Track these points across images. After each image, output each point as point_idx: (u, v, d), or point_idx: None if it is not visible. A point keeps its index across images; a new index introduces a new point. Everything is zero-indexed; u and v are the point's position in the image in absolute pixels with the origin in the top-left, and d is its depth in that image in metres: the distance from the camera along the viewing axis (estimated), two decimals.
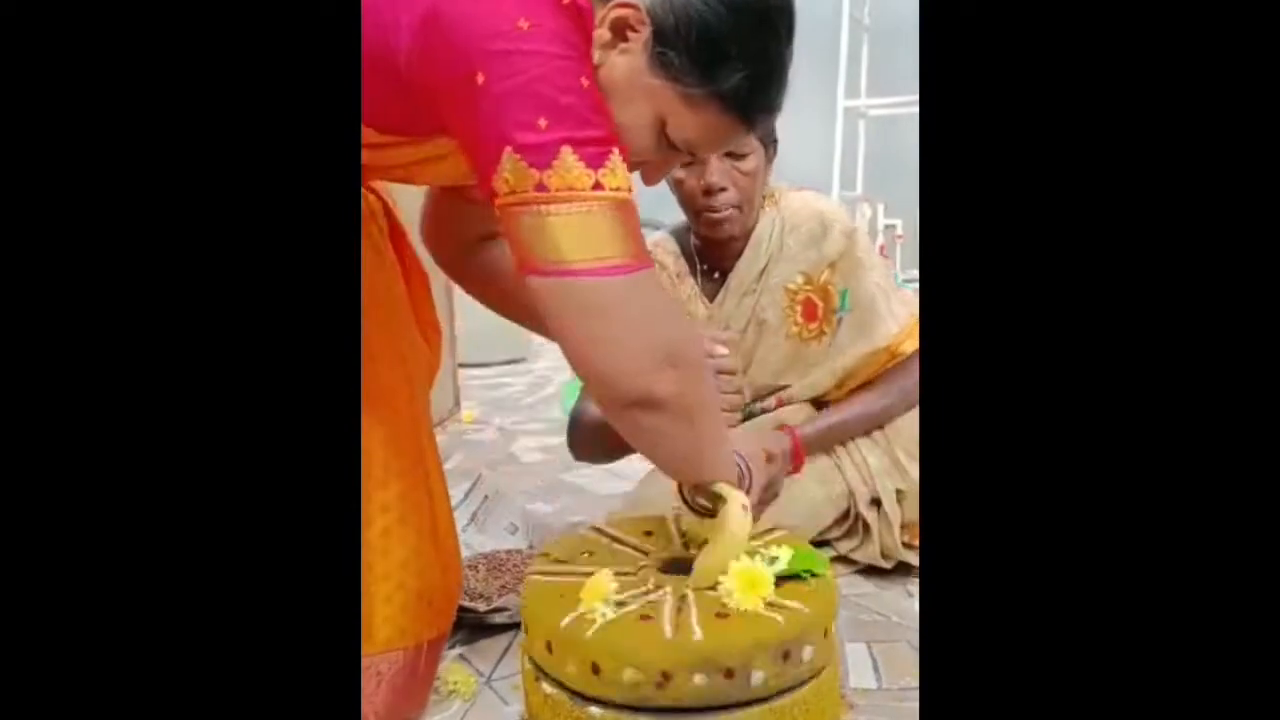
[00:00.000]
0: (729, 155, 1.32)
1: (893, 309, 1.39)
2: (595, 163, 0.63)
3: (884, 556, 1.31)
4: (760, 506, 0.94)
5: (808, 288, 1.42)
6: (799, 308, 1.43)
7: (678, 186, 1.36)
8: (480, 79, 0.61)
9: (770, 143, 1.37)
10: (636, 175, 0.80)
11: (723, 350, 0.94)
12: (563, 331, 0.66)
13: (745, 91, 0.71)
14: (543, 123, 0.62)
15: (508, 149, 0.62)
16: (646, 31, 0.69)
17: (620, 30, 0.69)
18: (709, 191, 1.32)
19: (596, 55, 0.70)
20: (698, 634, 0.69)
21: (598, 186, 0.63)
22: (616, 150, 0.65)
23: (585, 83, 0.64)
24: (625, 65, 0.70)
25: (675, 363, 0.67)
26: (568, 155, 0.62)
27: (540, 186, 0.62)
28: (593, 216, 0.63)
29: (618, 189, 0.64)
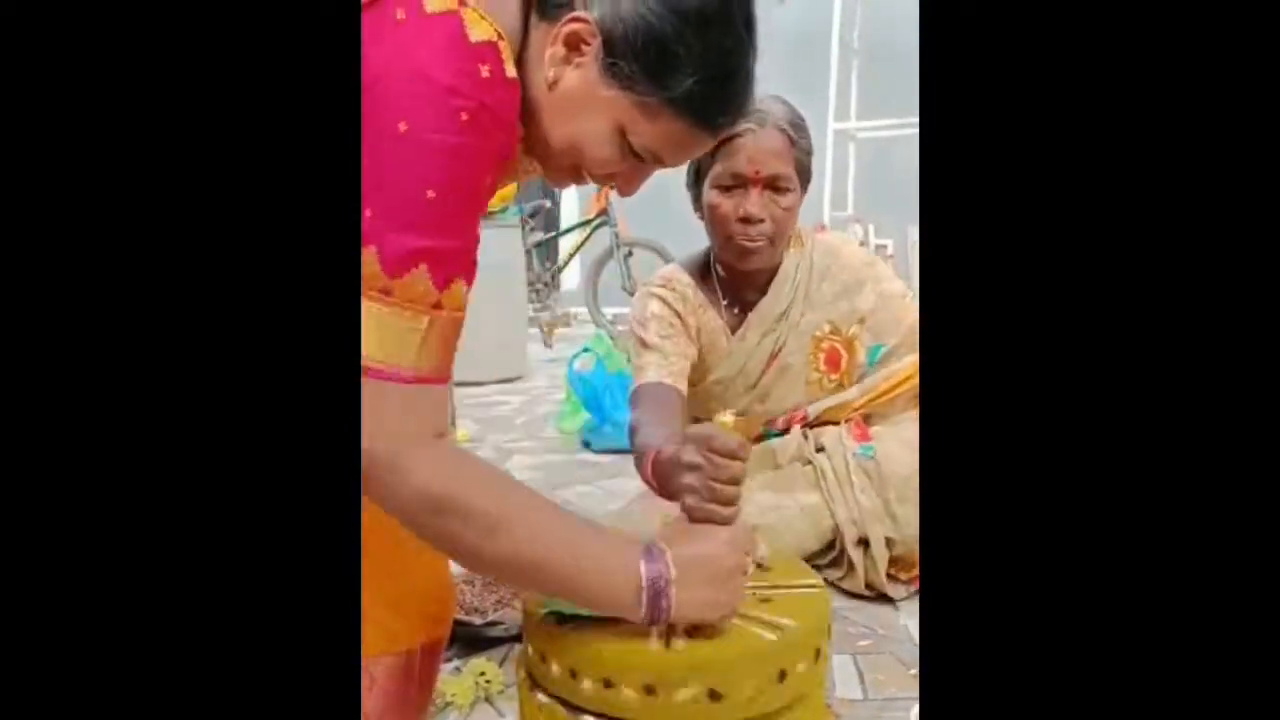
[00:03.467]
0: (770, 188, 1.31)
1: None
2: (393, 271, 0.62)
3: (868, 588, 1.32)
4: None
5: (834, 337, 1.43)
6: (822, 355, 1.44)
7: (711, 210, 1.34)
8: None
9: (807, 181, 1.37)
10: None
11: (729, 442, 0.77)
12: None
13: (699, 97, 0.70)
14: (366, 213, 0.62)
15: None
16: (597, 43, 0.69)
17: (574, 44, 0.70)
18: (746, 220, 1.31)
19: (551, 72, 0.71)
20: (679, 645, 0.69)
21: (385, 292, 0.62)
22: (426, 267, 0.63)
23: (431, 195, 0.63)
24: (579, 79, 0.70)
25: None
26: (370, 254, 0.62)
27: None
28: (368, 314, 0.62)
29: (410, 301, 0.63)
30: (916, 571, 1.33)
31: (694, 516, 0.77)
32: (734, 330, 1.44)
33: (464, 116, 0.63)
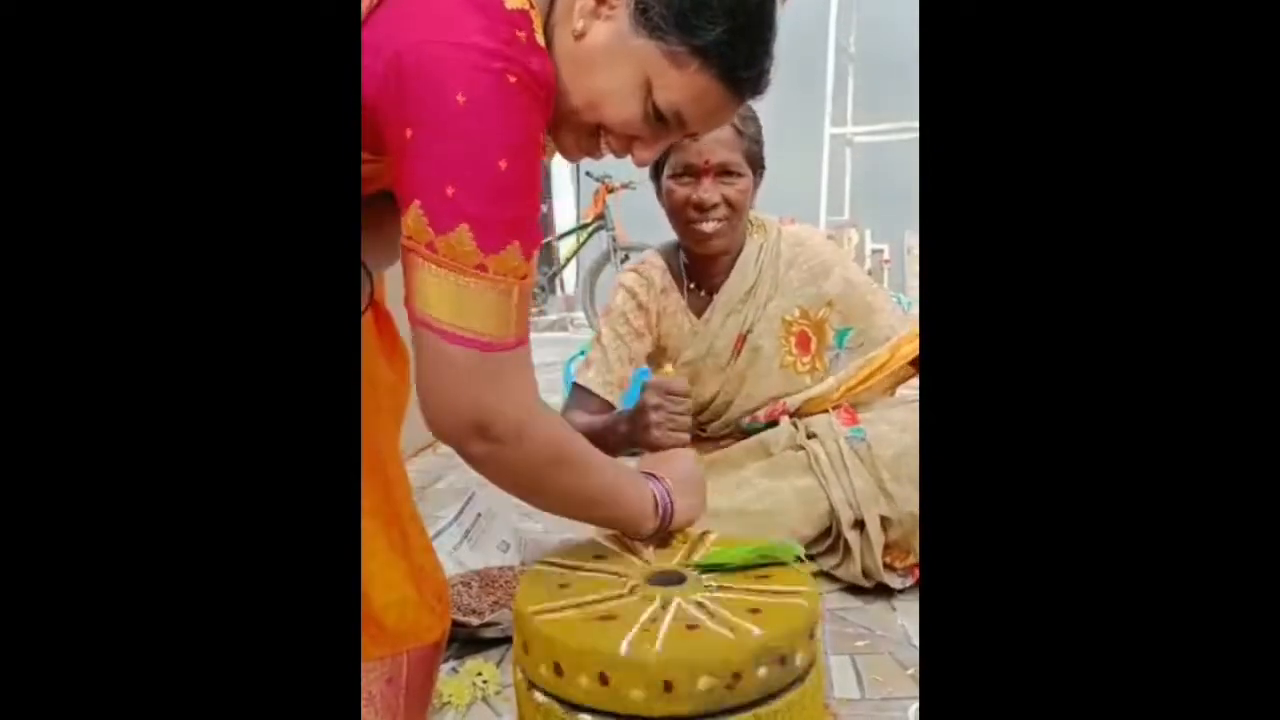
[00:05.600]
0: (721, 175, 1.39)
1: (897, 331, 1.50)
2: (488, 247, 0.66)
3: (865, 576, 1.33)
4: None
5: (803, 321, 1.51)
6: (793, 339, 1.51)
7: (668, 198, 1.43)
8: (409, 133, 0.65)
9: (759, 169, 1.45)
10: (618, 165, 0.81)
11: (680, 384, 1.14)
12: (418, 365, 0.71)
13: (725, 45, 0.72)
14: (449, 191, 0.64)
15: (416, 201, 0.66)
16: None
17: None
18: (700, 207, 1.39)
19: (580, 24, 0.72)
20: (658, 646, 0.67)
21: (481, 268, 0.66)
22: (518, 243, 0.67)
23: (504, 165, 0.65)
24: (609, 30, 0.72)
25: (486, 437, 0.69)
26: (464, 232, 0.65)
27: (430, 246, 0.66)
28: (467, 290, 0.66)
29: (503, 275, 0.67)
30: (911, 560, 1.34)
31: (660, 445, 1.09)
32: (699, 314, 1.52)
33: (512, 79, 0.66)
